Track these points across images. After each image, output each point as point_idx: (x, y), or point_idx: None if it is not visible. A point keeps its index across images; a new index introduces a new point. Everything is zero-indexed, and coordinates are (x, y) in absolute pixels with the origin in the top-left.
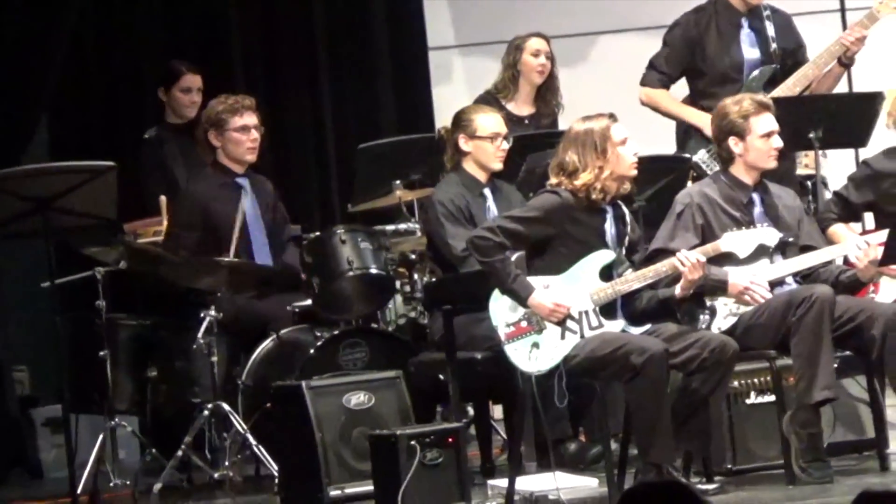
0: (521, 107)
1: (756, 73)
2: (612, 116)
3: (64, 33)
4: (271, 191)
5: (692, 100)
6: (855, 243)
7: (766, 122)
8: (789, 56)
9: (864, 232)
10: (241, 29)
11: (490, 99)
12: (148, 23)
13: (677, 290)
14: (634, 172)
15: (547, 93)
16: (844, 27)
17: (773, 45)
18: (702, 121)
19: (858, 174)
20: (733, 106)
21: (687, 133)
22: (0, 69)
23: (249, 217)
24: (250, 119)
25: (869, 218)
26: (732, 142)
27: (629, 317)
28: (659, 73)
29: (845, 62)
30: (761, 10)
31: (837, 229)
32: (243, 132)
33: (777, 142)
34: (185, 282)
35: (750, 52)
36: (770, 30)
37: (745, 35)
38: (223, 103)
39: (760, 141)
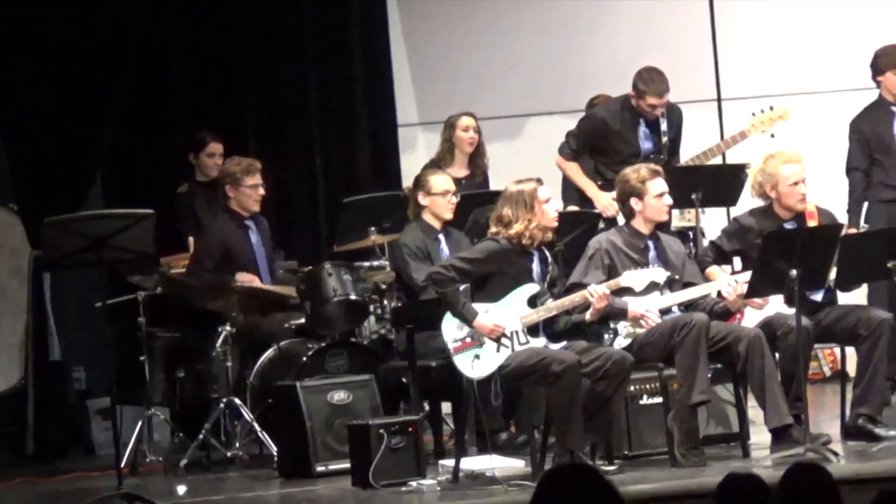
0: (459, 170)
1: (649, 158)
2: (538, 181)
3: (115, 109)
4: (267, 227)
5: (596, 169)
6: (726, 281)
7: (659, 185)
8: (672, 141)
9: (734, 272)
10: (253, 107)
11: (434, 166)
12: (180, 100)
13: (588, 315)
14: (555, 224)
15: (477, 157)
16: (721, 115)
17: (665, 139)
18: (597, 197)
19: (729, 228)
20: (633, 174)
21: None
22: (65, 137)
23: (256, 249)
24: (259, 179)
25: (737, 262)
26: (633, 201)
27: (549, 335)
28: (570, 149)
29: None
30: None
31: (713, 270)
32: (253, 189)
33: (668, 200)
34: (206, 304)
35: (645, 143)
36: (664, 125)
37: (642, 131)
38: (239, 165)
39: (655, 200)
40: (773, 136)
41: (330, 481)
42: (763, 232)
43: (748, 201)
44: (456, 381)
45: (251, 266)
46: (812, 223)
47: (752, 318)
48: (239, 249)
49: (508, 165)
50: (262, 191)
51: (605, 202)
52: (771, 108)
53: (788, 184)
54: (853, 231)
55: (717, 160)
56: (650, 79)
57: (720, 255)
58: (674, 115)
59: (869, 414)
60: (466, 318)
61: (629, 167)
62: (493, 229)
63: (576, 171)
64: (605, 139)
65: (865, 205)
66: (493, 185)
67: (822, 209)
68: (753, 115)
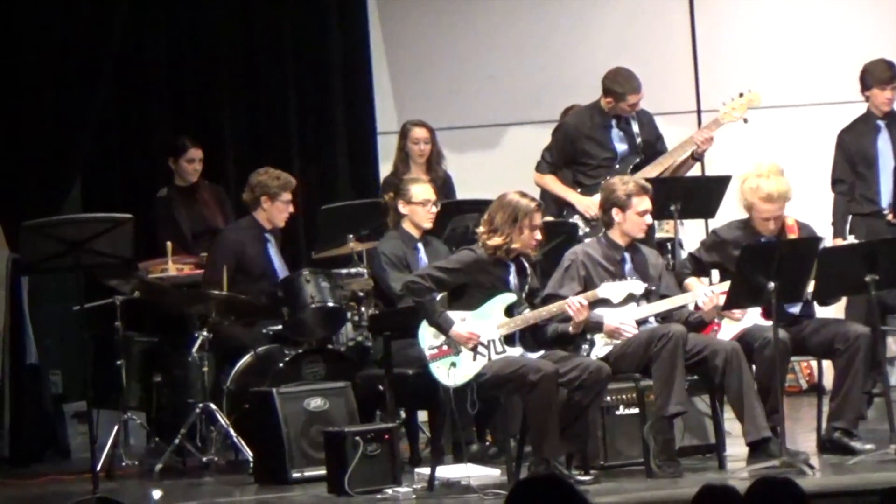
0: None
1: (626, 160)
2: (539, 205)
3: (94, 114)
4: (280, 239)
5: (575, 179)
6: (703, 292)
7: (644, 203)
8: (650, 146)
9: (711, 285)
10: (232, 112)
11: (392, 180)
12: (159, 106)
13: (570, 328)
14: (531, 251)
15: (433, 163)
16: (699, 125)
17: (639, 140)
18: (578, 200)
19: (708, 240)
20: (621, 185)
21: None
22: (45, 142)
23: (274, 259)
24: (290, 196)
25: (715, 274)
26: (615, 212)
27: (526, 345)
28: (547, 163)
29: (697, 157)
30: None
31: (690, 282)
32: (287, 204)
33: (649, 219)
34: (184, 308)
35: (620, 145)
36: (635, 127)
37: (615, 133)
38: (278, 179)
39: (636, 216)
40: (745, 120)
41: (305, 488)
42: (741, 244)
43: (727, 213)
44: (432, 390)
45: (267, 276)
46: (791, 237)
47: (728, 330)
48: (252, 259)
49: (485, 174)
50: (292, 207)
51: (586, 203)
52: (741, 95)
53: (762, 217)
54: (839, 241)
55: (697, 170)
56: (624, 79)
57: (698, 267)
58: (644, 117)
59: (844, 427)
60: (443, 327)
61: (619, 178)
62: (481, 229)
63: (554, 182)
64: (579, 145)
65: (850, 217)
66: (470, 195)
67: (802, 223)
68: (724, 103)
